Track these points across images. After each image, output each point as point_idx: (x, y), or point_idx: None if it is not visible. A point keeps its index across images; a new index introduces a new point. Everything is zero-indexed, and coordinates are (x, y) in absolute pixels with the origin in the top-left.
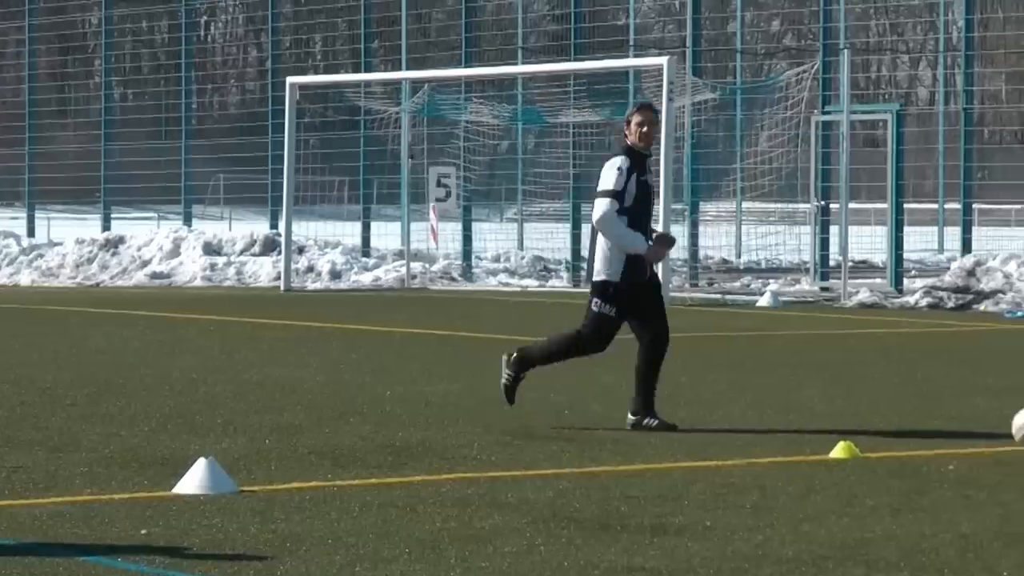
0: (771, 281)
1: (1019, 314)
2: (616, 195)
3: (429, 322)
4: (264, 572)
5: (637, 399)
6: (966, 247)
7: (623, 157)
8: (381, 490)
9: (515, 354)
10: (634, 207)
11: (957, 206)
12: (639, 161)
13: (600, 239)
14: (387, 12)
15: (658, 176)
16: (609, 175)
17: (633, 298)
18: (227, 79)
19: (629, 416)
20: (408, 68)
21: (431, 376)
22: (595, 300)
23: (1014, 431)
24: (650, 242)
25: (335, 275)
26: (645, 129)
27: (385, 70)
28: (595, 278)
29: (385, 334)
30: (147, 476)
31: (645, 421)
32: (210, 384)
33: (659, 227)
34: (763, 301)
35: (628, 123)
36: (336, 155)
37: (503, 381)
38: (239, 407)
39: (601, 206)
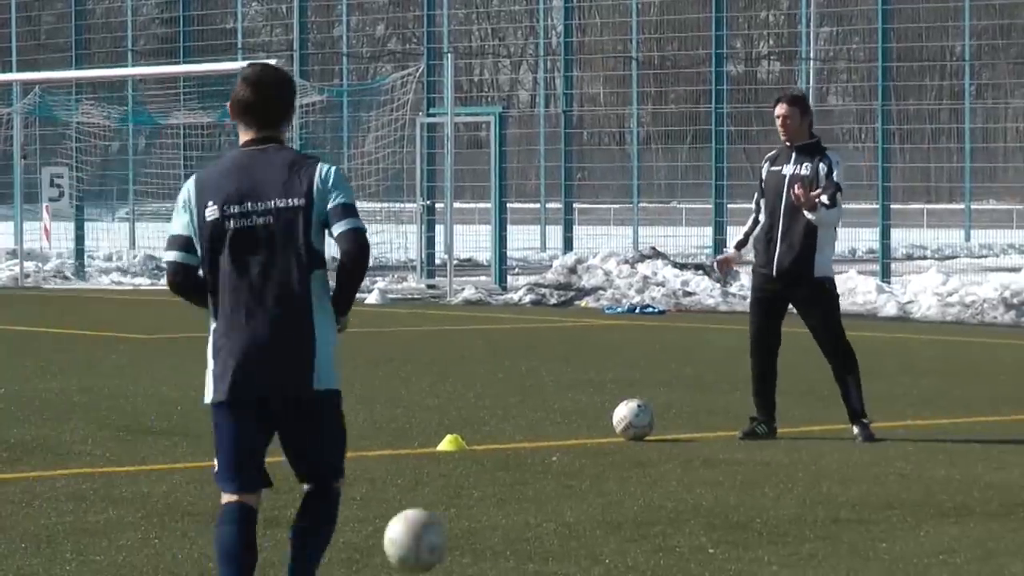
0: (379, 279)
1: (618, 310)
2: (758, 187)
3: (43, 320)
4: None
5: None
6: (567, 245)
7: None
8: None
9: (859, 423)
10: (764, 197)
11: (558, 205)
12: (784, 152)
13: None
14: None
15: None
16: None
17: (767, 287)
18: None
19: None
20: (19, 70)
21: (45, 373)
22: None
23: (615, 423)
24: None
25: None
26: (780, 122)
27: None
28: None
29: None
30: None
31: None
32: None
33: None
34: (371, 299)
35: None
36: None
37: (864, 439)
38: None
39: None
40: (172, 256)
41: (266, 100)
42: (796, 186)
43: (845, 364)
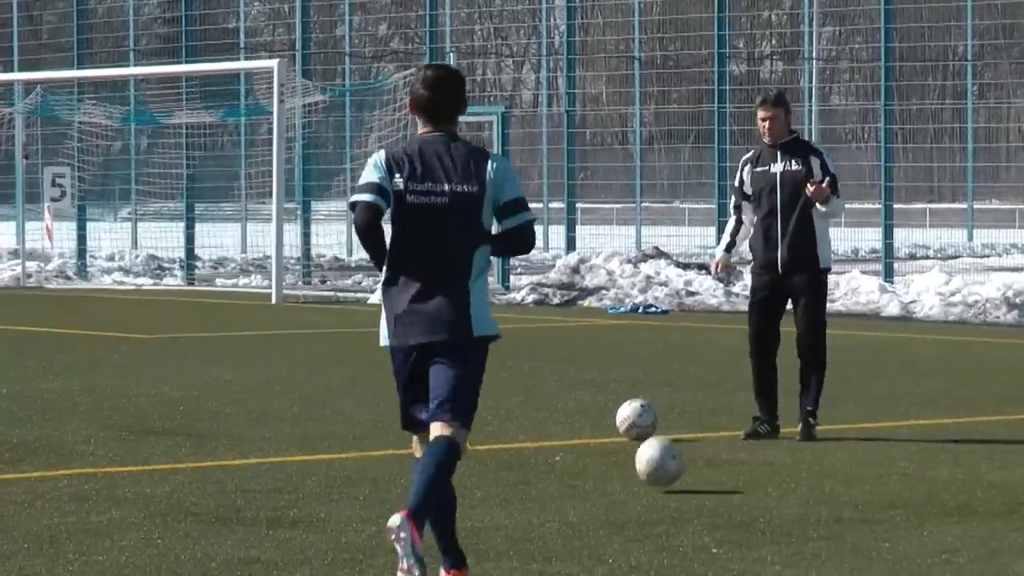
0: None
1: (621, 310)
2: (736, 190)
3: (45, 320)
4: None
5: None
6: (570, 245)
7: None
8: None
9: (805, 421)
10: (754, 196)
11: (561, 205)
12: (766, 151)
13: None
14: None
15: (794, 162)
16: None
17: (768, 286)
18: None
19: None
20: (21, 69)
21: (47, 373)
22: None
23: (618, 423)
24: (724, 253)
25: None
26: (767, 124)
27: None
28: None
29: (0, 332)
30: None
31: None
32: None
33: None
34: (374, 298)
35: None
36: None
37: (802, 436)
38: None
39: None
40: (367, 197)
41: (441, 101)
42: (809, 184)
43: (817, 363)
